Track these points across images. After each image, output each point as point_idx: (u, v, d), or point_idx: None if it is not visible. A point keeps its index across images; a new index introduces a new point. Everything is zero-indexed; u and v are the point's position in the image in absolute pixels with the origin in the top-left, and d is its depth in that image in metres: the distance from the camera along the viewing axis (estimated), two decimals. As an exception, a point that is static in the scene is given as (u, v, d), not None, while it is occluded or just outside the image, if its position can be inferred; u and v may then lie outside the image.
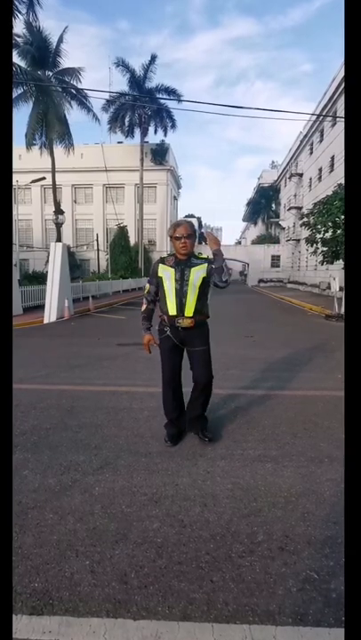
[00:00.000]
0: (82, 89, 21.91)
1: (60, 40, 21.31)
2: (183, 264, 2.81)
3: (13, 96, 20.68)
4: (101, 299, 17.85)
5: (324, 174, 26.11)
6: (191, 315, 2.78)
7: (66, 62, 22.26)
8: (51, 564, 1.81)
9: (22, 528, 2.07)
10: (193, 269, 2.79)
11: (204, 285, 2.82)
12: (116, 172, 34.47)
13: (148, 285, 2.99)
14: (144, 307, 3.04)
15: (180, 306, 2.77)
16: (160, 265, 2.88)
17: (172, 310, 2.79)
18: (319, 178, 27.25)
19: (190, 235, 2.79)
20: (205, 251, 2.98)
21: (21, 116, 43.90)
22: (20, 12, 17.67)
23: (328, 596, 1.64)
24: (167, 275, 2.82)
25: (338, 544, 1.94)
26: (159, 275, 2.86)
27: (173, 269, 2.80)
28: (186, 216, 43.90)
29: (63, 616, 1.54)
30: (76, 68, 22.15)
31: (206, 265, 2.83)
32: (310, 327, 10.53)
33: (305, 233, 15.42)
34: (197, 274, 2.79)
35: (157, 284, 2.91)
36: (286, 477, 2.59)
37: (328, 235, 12.98)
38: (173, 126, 30.16)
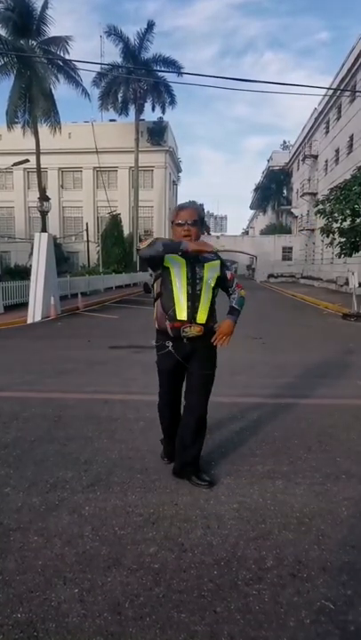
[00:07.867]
0: (70, 60, 22.00)
1: (46, 5, 21.38)
2: (193, 257, 2.54)
3: (-7, 68, 20.72)
4: (92, 296, 17.86)
5: (341, 156, 26.13)
6: (204, 321, 2.54)
7: (52, 30, 22.39)
8: (35, 592, 1.82)
9: (3, 552, 2.07)
10: (206, 265, 2.57)
11: (216, 287, 2.64)
12: (108, 153, 34.49)
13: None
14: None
15: (193, 310, 2.51)
16: None
17: (182, 315, 2.51)
18: (336, 160, 27.27)
19: (196, 221, 2.57)
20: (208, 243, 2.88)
21: (1, 91, 43.96)
22: (0, -26, 17.70)
23: (345, 629, 1.65)
24: (177, 266, 2.53)
25: (356, 570, 1.95)
26: (166, 264, 2.54)
27: (185, 261, 2.53)
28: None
29: (49, 650, 1.55)
30: (64, 36, 22.23)
31: (219, 262, 2.63)
32: (326, 328, 10.56)
33: (320, 222, 15.42)
34: (211, 272, 2.58)
35: (160, 274, 2.60)
36: (299, 496, 2.60)
37: (346, 224, 13.01)
38: (173, 102, 30.24)
